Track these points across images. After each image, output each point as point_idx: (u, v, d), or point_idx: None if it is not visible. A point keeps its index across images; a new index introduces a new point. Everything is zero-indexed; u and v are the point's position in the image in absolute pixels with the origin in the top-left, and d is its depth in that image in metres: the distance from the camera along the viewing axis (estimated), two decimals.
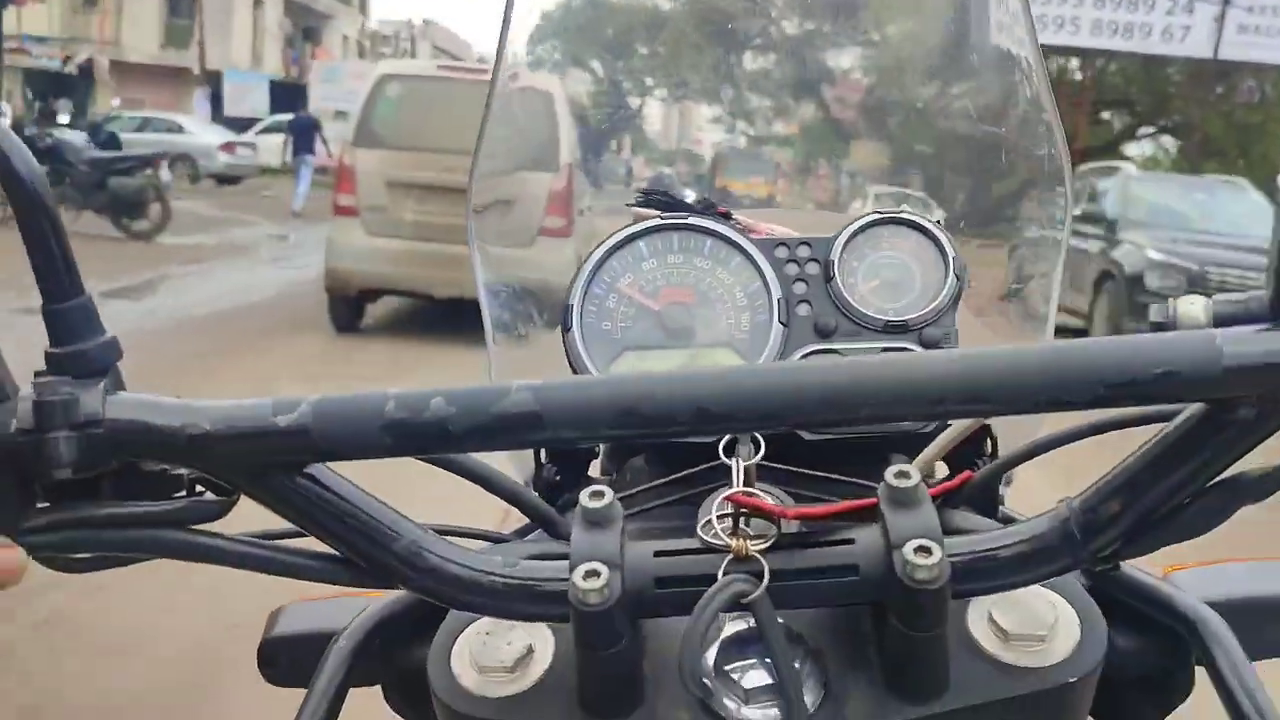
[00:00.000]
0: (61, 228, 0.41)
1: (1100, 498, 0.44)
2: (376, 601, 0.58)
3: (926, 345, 0.69)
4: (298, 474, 0.43)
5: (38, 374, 0.41)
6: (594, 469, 0.77)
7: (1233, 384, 0.39)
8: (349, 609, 0.60)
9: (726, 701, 0.46)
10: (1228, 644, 0.52)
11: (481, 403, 0.40)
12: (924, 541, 0.42)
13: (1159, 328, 0.46)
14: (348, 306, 6.73)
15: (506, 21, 0.89)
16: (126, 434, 0.41)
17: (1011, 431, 0.70)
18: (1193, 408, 0.41)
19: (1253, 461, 0.43)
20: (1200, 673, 0.54)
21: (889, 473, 0.45)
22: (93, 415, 0.40)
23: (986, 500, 0.64)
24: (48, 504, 0.42)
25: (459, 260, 4.64)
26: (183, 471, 0.44)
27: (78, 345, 0.42)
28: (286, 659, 0.65)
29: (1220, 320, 0.46)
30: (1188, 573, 0.60)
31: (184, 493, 0.44)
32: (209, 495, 0.44)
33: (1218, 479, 0.43)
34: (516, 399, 0.40)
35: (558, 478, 0.74)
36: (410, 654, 0.57)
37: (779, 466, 0.61)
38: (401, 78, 7.35)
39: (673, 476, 0.64)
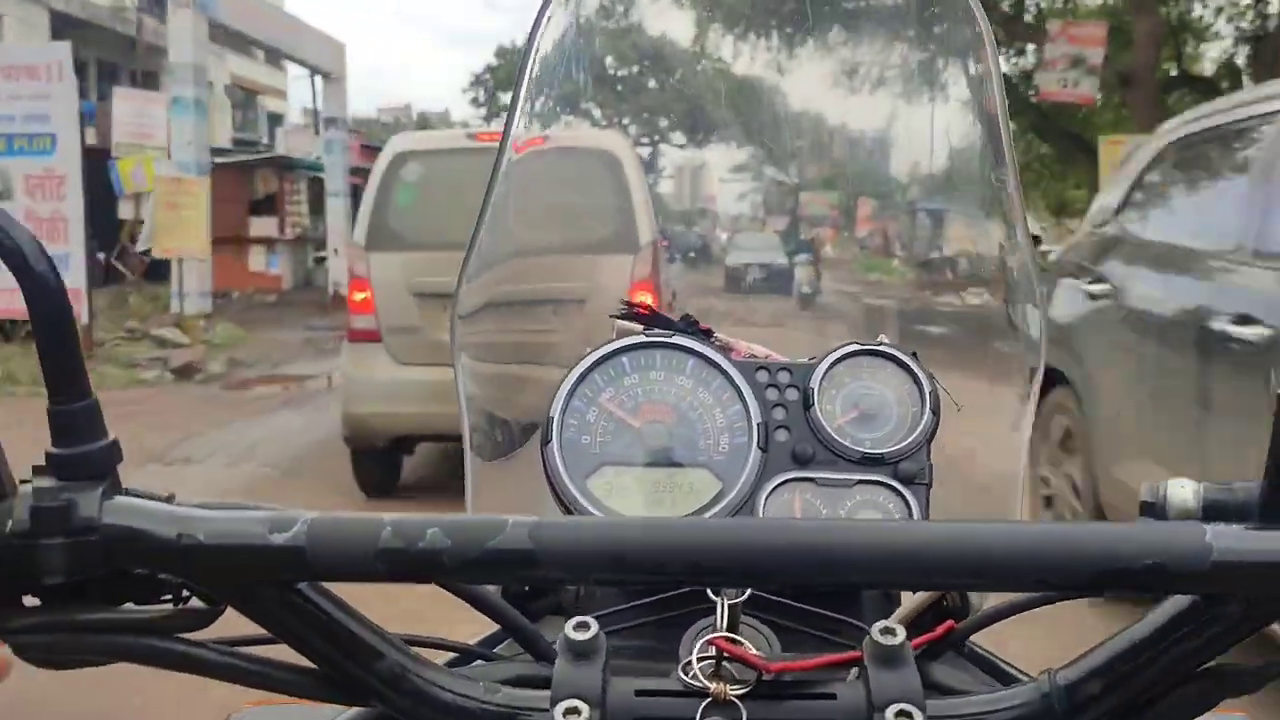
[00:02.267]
0: (74, 328, 0.43)
1: (1083, 675, 0.45)
2: (339, 713, 0.55)
3: (901, 479, 0.71)
4: (288, 589, 0.43)
5: (36, 470, 0.42)
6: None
7: (1220, 581, 0.40)
8: (311, 718, 0.59)
9: None
10: None
11: (477, 537, 0.41)
12: (906, 707, 0.43)
13: (1148, 507, 0.47)
14: (378, 462, 5.24)
15: (524, 68, 0.87)
16: (120, 542, 0.41)
17: None
18: (1178, 598, 0.43)
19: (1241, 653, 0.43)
20: None
21: (875, 629, 0.46)
22: (88, 522, 0.41)
23: (961, 650, 0.65)
24: (37, 603, 0.43)
25: (538, 386, 3.50)
26: (168, 577, 0.44)
27: (80, 447, 0.43)
28: None
29: (1209, 509, 0.46)
30: None
31: (170, 597, 0.45)
32: (195, 602, 0.44)
33: (1204, 668, 0.44)
34: (511, 535, 0.41)
35: (525, 587, 0.73)
36: None
37: (764, 596, 0.60)
38: (424, 154, 5.53)
39: (655, 598, 0.65)
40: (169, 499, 0.45)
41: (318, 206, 18.51)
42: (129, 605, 0.45)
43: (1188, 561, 0.40)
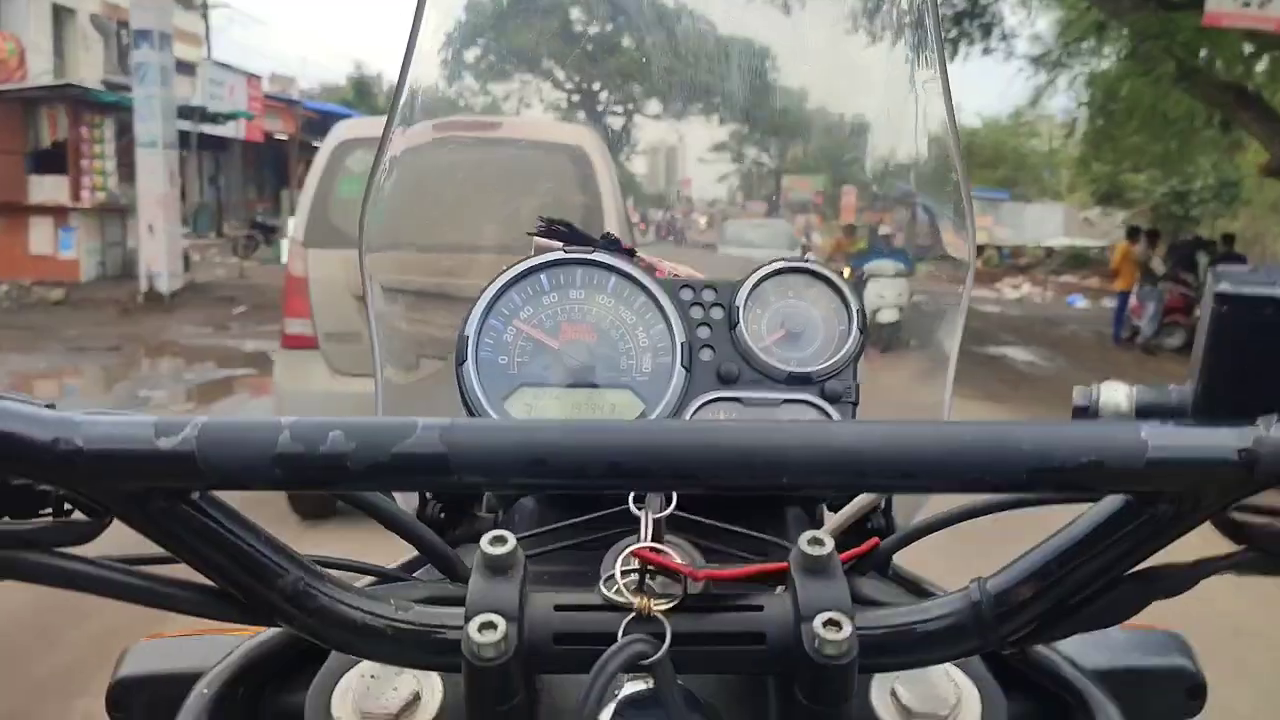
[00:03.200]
0: None
1: (1013, 581, 0.45)
2: (243, 640, 0.56)
3: (828, 398, 0.72)
4: (179, 500, 0.42)
5: None
6: (479, 506, 0.76)
7: (1155, 479, 0.41)
8: (211, 647, 0.58)
9: None
10: (1115, 716, 0.57)
11: (383, 440, 0.39)
12: (834, 615, 0.43)
13: (1081, 411, 0.47)
14: None
15: (412, 41, 0.85)
16: None
17: (908, 497, 0.73)
18: (1113, 498, 0.43)
19: (1169, 555, 0.44)
20: None
21: (802, 539, 0.46)
22: None
23: (886, 568, 0.67)
24: None
25: (454, 305, 3.31)
26: (51, 488, 0.42)
27: None
28: (140, 703, 0.61)
29: (1142, 410, 0.46)
30: (1074, 639, 0.56)
31: (50, 511, 0.43)
32: (77, 515, 0.42)
33: (1133, 570, 0.44)
34: (422, 439, 0.39)
35: (442, 514, 0.74)
36: (281, 698, 0.56)
37: (687, 516, 0.60)
38: (369, 143, 5.04)
39: (577, 519, 0.64)
40: (52, 406, 0.41)
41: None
42: (5, 520, 0.42)
43: (1123, 459, 0.40)
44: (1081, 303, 18.91)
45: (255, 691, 0.57)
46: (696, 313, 0.73)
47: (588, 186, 3.79)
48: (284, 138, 24.45)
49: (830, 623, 0.43)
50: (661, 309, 0.72)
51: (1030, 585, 0.45)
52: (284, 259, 4.97)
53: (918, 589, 0.68)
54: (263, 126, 23.50)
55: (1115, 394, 0.46)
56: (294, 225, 4.91)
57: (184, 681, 0.56)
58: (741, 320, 0.73)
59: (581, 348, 0.72)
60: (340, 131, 5.10)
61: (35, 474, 0.40)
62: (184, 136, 14.77)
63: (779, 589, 0.48)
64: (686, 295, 0.73)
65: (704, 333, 0.73)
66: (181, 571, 0.44)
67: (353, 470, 0.39)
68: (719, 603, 0.47)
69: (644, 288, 0.72)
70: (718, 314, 0.73)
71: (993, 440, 0.40)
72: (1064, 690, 0.58)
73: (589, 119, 4.22)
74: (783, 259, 0.76)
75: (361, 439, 0.39)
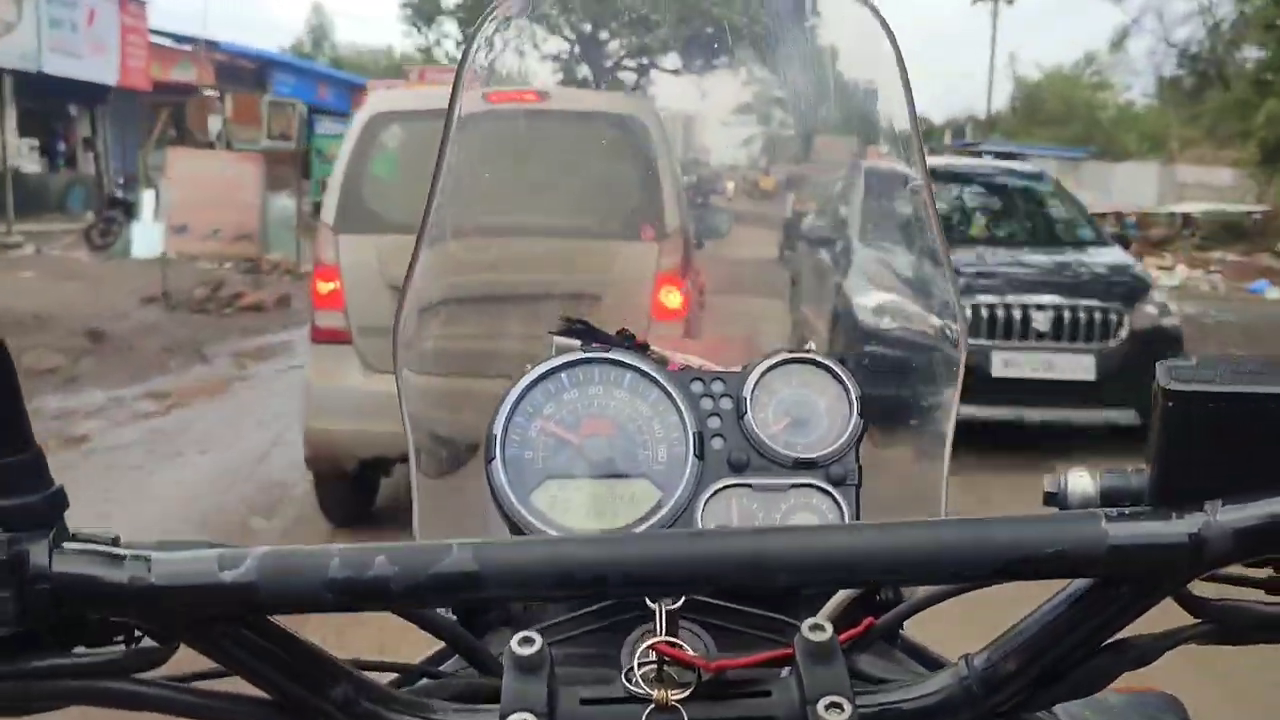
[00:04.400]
0: (14, 377, 0.44)
1: (997, 656, 0.50)
2: None
3: (833, 481, 0.77)
4: (241, 624, 0.46)
5: None
6: None
7: (1116, 563, 0.46)
8: None
9: None
10: None
11: (423, 562, 0.45)
12: (836, 699, 0.48)
13: (1050, 498, 0.53)
14: (348, 487, 4.47)
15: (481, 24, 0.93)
16: (72, 589, 0.44)
17: None
18: (1080, 581, 0.48)
19: (1145, 625, 0.49)
20: None
21: (804, 626, 0.51)
22: (39, 572, 0.43)
23: (889, 637, 0.73)
24: None
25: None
26: (124, 620, 0.47)
27: (25, 498, 0.44)
28: None
29: (1107, 495, 0.52)
30: (1072, 704, 0.60)
31: (122, 638, 0.47)
32: (147, 642, 0.47)
33: (1107, 642, 0.50)
34: (457, 559, 0.45)
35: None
36: None
37: (700, 599, 0.65)
38: (409, 117, 4.63)
39: (596, 607, 0.69)
40: (115, 540, 0.46)
41: None
42: (80, 649, 0.47)
43: (1086, 548, 0.45)
44: (1275, 291, 14.18)
45: None
46: (706, 404, 0.78)
47: (643, 159, 3.46)
48: (192, 87, 19.03)
49: (832, 705, 0.48)
50: (674, 401, 0.77)
51: (1013, 660, 0.50)
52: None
53: (920, 656, 0.76)
54: (155, 72, 18.64)
55: (1081, 481, 0.53)
56: (325, 209, 4.53)
57: None
58: (749, 410, 0.78)
59: (601, 441, 0.76)
60: (375, 103, 4.74)
61: (111, 610, 0.46)
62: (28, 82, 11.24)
63: (785, 671, 0.53)
64: (697, 388, 0.78)
65: (714, 422, 0.78)
66: (238, 686, 0.48)
67: (396, 591, 0.45)
68: (731, 690, 0.52)
69: (657, 382, 0.77)
70: (726, 404, 0.78)
71: (968, 536, 0.46)
72: None
73: (640, 88, 4.00)
74: (785, 350, 0.81)
75: (402, 562, 0.45)
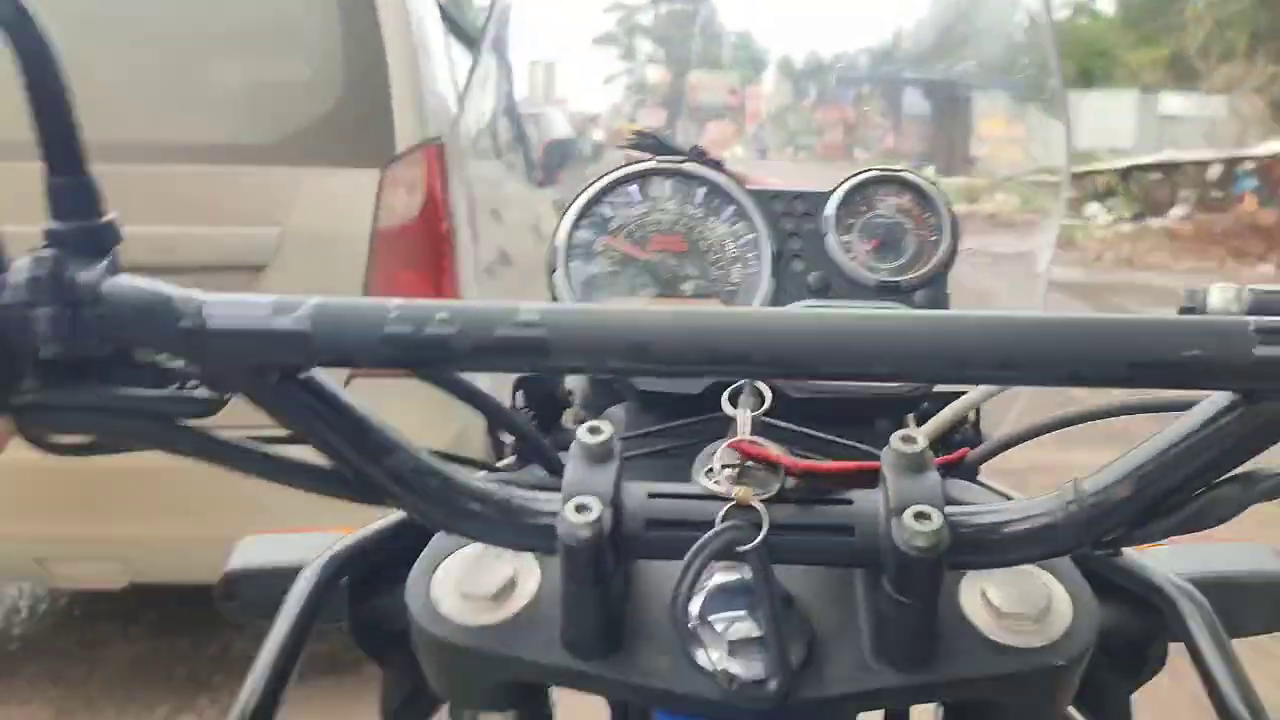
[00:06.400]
0: (71, 99, 0.43)
1: (1109, 481, 0.46)
2: (344, 536, 0.61)
3: (920, 308, 0.74)
4: (294, 378, 0.45)
5: (35, 248, 0.43)
6: (566, 417, 0.80)
7: (1263, 375, 0.41)
8: (313, 544, 0.62)
9: (710, 651, 0.49)
10: (1208, 621, 0.57)
11: (486, 321, 0.42)
12: (924, 508, 0.45)
13: (1188, 311, 0.50)
14: None
15: None
16: (120, 318, 0.43)
17: (994, 410, 0.75)
18: (1216, 396, 0.44)
19: (1272, 456, 0.45)
20: (1172, 648, 0.59)
21: (895, 436, 0.48)
22: (88, 294, 0.43)
23: (974, 476, 0.71)
24: (38, 381, 0.44)
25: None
26: (176, 364, 0.46)
27: (79, 222, 0.44)
28: (248, 593, 0.67)
29: (1254, 309, 0.49)
30: (1164, 550, 0.63)
31: (175, 385, 0.46)
32: (201, 391, 0.46)
33: (1235, 471, 0.46)
34: (524, 320, 0.42)
35: (532, 422, 0.78)
36: (382, 588, 0.60)
37: (777, 424, 0.63)
38: None
39: (672, 424, 0.68)
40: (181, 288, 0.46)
41: None
42: (136, 389, 0.46)
43: (1230, 354, 0.40)
44: None
45: (354, 583, 0.61)
46: (787, 223, 0.77)
47: (355, 32, 2.39)
48: None
49: (920, 515, 0.45)
50: (751, 219, 0.75)
51: (1126, 485, 0.46)
52: None
53: (1007, 498, 0.73)
54: None
55: (1225, 294, 0.48)
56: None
57: (289, 574, 0.60)
58: (832, 230, 0.76)
59: (671, 258, 0.75)
60: None
61: (159, 347, 0.44)
62: None
63: (872, 488, 0.51)
64: (777, 206, 0.77)
65: (794, 243, 0.76)
66: (297, 454, 0.48)
67: (455, 350, 0.42)
68: (812, 495, 0.49)
69: (733, 198, 0.76)
70: (808, 224, 0.77)
71: (1092, 332, 0.41)
72: (1158, 597, 0.59)
73: None
74: (875, 168, 0.79)
75: (465, 320, 0.42)
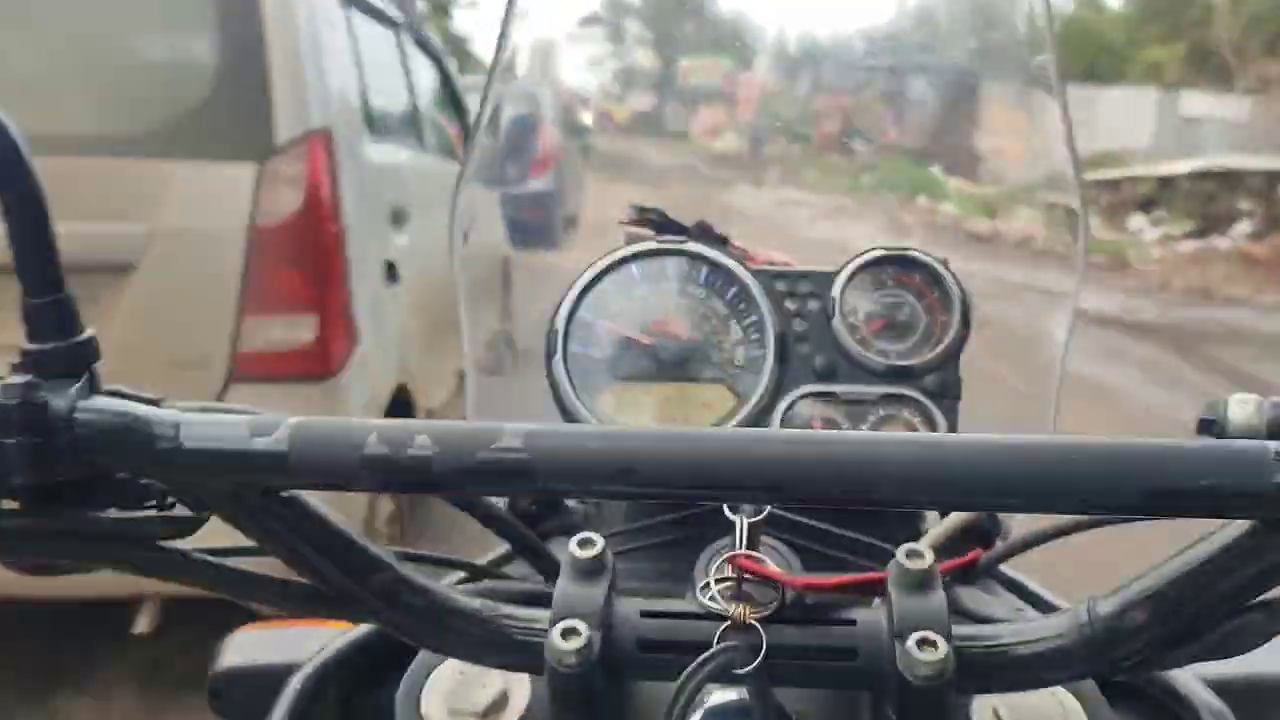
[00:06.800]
0: (49, 218, 0.43)
1: (1126, 604, 0.45)
2: (336, 634, 0.59)
3: (929, 394, 0.72)
4: (273, 497, 0.45)
5: (12, 369, 0.43)
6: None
7: None
8: (305, 639, 0.61)
9: None
10: None
11: (469, 444, 0.41)
12: (929, 634, 0.44)
13: (1206, 425, 0.47)
14: None
15: None
16: (94, 442, 0.42)
17: None
18: (1235, 523, 0.43)
19: None
20: None
21: (900, 552, 0.47)
22: (61, 421, 0.42)
23: (998, 577, 0.69)
24: (14, 505, 0.44)
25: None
26: (153, 483, 0.46)
27: (55, 343, 0.43)
28: (239, 693, 0.66)
29: (1272, 425, 0.45)
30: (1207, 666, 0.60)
31: (154, 503, 0.46)
32: (179, 510, 0.46)
33: (1260, 599, 0.44)
34: (506, 444, 0.41)
35: (534, 505, 0.76)
36: (372, 694, 0.59)
37: (784, 515, 0.62)
38: None
39: (669, 517, 0.66)
40: (157, 402, 0.45)
41: None
42: (112, 511, 0.45)
43: (1248, 482, 0.39)
44: None
45: (347, 686, 0.60)
46: (791, 304, 0.75)
47: (232, 26, 2.20)
48: None
49: (925, 643, 0.43)
50: (755, 300, 0.73)
51: (1144, 609, 0.44)
52: None
53: (1026, 596, 0.69)
54: None
55: (1244, 408, 0.46)
56: None
57: (279, 674, 0.59)
58: (838, 311, 0.74)
59: (673, 341, 0.73)
60: None
61: (134, 468, 0.44)
62: None
63: (877, 600, 0.49)
64: (782, 286, 0.75)
65: (799, 325, 0.74)
66: (277, 568, 0.48)
67: (437, 474, 0.41)
68: (813, 614, 0.48)
69: (737, 278, 0.74)
70: (813, 305, 0.75)
71: (1104, 457, 0.39)
72: (1179, 706, 0.57)
73: None
74: (882, 247, 0.76)
75: (446, 443, 0.41)
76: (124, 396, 0.44)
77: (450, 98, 4.01)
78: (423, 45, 3.63)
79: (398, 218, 2.71)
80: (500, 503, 0.72)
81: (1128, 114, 19.30)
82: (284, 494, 0.45)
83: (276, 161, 2.15)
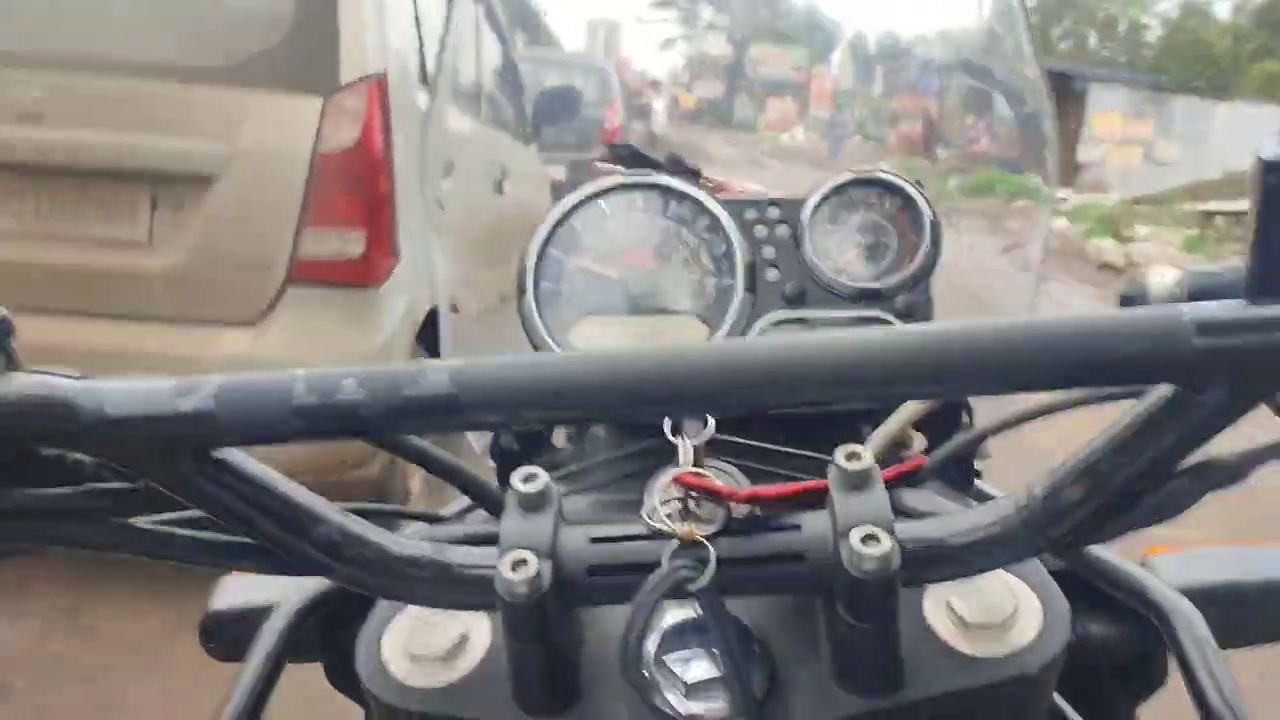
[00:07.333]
0: None
1: (1062, 482, 0.46)
2: (312, 578, 0.58)
3: (901, 315, 0.74)
4: (205, 459, 0.44)
5: None
6: (558, 435, 0.80)
7: (1202, 365, 0.40)
8: (291, 582, 0.64)
9: (668, 695, 0.49)
10: (1198, 633, 0.57)
11: (394, 385, 0.41)
12: (871, 529, 0.45)
13: (1129, 301, 0.50)
14: None
15: None
16: (15, 418, 0.41)
17: (989, 399, 0.73)
18: (1161, 388, 0.43)
19: (1224, 444, 0.44)
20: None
21: (839, 453, 0.48)
22: None
23: (961, 476, 0.69)
24: None
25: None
26: (84, 457, 0.45)
27: None
28: (227, 633, 0.69)
29: (1194, 294, 0.48)
30: (1166, 557, 0.64)
31: (87, 479, 0.45)
32: (114, 483, 0.45)
33: (1186, 463, 0.45)
34: (431, 381, 0.41)
35: (516, 445, 0.77)
36: (345, 634, 0.59)
37: (729, 439, 0.63)
38: None
39: (616, 454, 0.69)
40: (80, 377, 0.44)
41: None
42: (47, 490, 0.45)
43: (1167, 348, 0.39)
44: None
45: (322, 626, 0.62)
46: (760, 231, 0.76)
47: None
48: None
49: (869, 538, 0.44)
50: (724, 230, 0.74)
51: (1078, 485, 0.45)
52: None
53: (974, 495, 0.71)
54: None
55: (1164, 280, 0.48)
56: None
57: (264, 613, 0.62)
58: (808, 237, 0.75)
59: (644, 274, 0.74)
60: None
61: (63, 442, 0.43)
62: None
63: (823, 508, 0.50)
64: (751, 215, 0.76)
65: (769, 252, 0.75)
66: (226, 535, 0.48)
67: (367, 417, 0.41)
68: (761, 524, 0.48)
69: (705, 209, 0.74)
70: (783, 231, 0.75)
71: (1025, 336, 0.40)
72: (1147, 608, 0.58)
73: None
74: (851, 171, 0.77)
75: (372, 386, 0.41)
76: (36, 371, 0.43)
77: (508, 74, 4.22)
78: (491, 22, 3.79)
79: (444, 166, 2.80)
80: (482, 449, 0.76)
81: (1244, 132, 17.53)
82: (217, 455, 0.44)
83: (339, 97, 2.46)
